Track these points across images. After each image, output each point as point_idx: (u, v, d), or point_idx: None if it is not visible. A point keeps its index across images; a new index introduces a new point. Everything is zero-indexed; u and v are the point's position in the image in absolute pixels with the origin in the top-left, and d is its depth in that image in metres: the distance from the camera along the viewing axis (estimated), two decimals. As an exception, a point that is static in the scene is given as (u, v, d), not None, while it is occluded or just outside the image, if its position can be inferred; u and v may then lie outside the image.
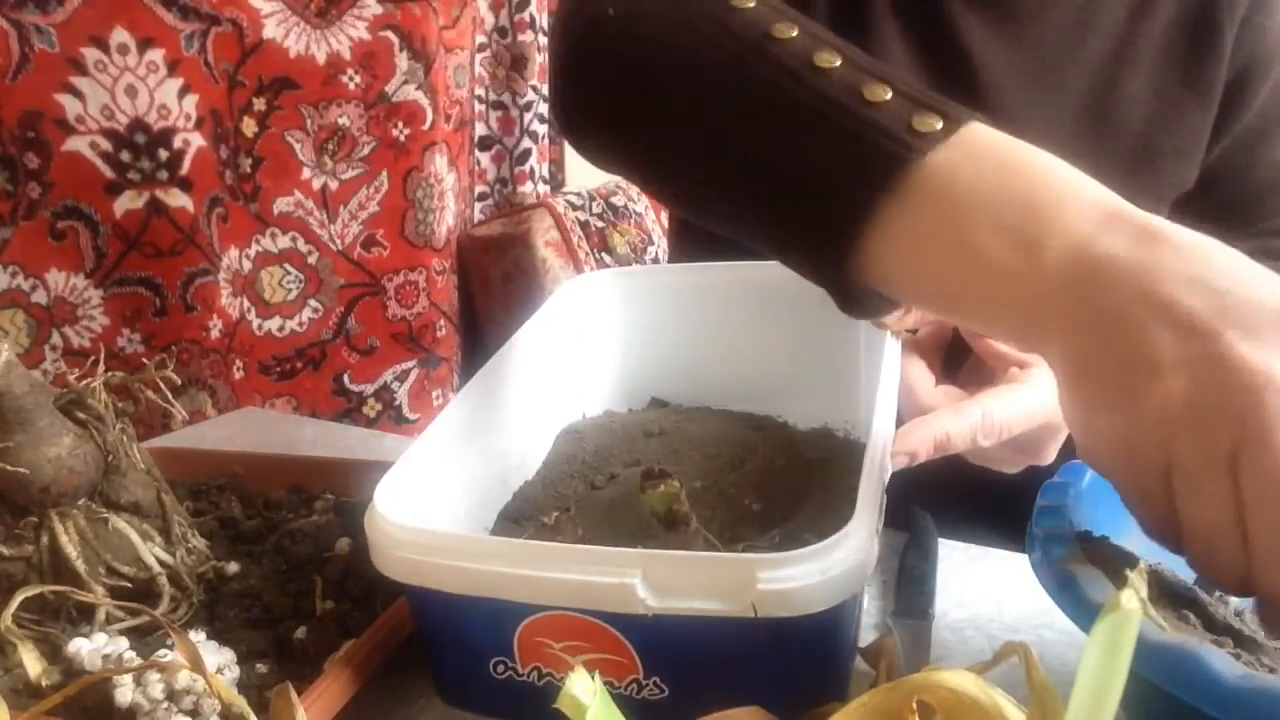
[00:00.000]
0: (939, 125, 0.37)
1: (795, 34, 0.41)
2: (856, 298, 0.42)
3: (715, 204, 0.46)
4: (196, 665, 0.43)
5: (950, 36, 0.73)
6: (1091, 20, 0.73)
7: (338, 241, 1.37)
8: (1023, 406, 0.53)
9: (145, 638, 0.51)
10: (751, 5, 0.43)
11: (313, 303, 1.37)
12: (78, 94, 1.12)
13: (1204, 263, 0.33)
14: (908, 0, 0.73)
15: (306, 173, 1.32)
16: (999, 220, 0.36)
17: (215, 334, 1.27)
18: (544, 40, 1.65)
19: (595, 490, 0.62)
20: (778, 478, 0.60)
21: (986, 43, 0.73)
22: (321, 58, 1.28)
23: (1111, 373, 0.34)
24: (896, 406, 0.52)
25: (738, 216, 0.45)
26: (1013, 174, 0.36)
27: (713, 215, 0.47)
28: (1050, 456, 0.57)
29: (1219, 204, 0.75)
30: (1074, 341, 0.35)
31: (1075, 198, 0.35)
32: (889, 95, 0.38)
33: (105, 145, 1.15)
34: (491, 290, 1.59)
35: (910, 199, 0.37)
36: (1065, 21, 0.73)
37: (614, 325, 0.73)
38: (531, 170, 1.73)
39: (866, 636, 0.54)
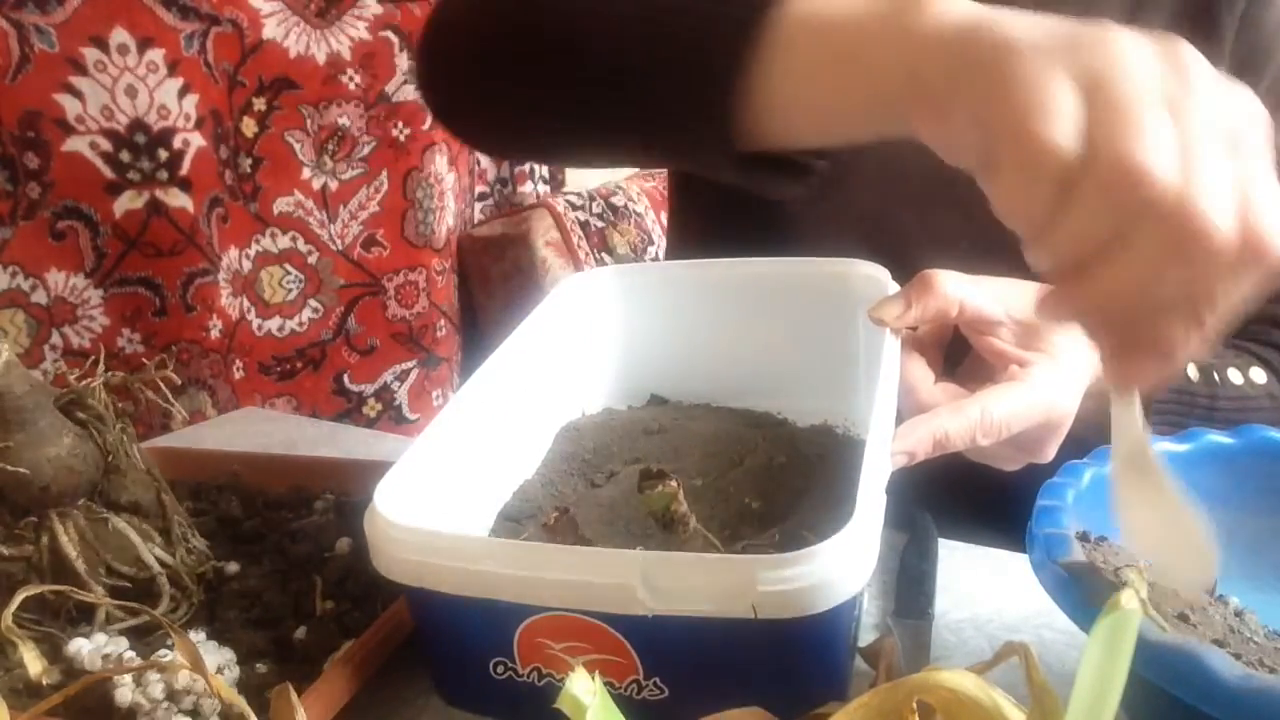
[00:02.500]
0: None
1: None
2: (747, 163, 0.45)
3: (594, 123, 0.50)
4: (196, 665, 0.43)
5: None
6: (1091, 20, 0.73)
7: (338, 241, 1.36)
8: (1023, 404, 0.53)
9: (145, 638, 0.51)
10: None
11: (313, 303, 1.37)
12: (78, 94, 1.12)
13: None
14: None
15: (306, 173, 1.32)
16: (866, 13, 0.39)
17: (215, 334, 1.27)
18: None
19: (595, 488, 0.62)
20: (777, 475, 0.60)
21: None
22: (321, 58, 1.28)
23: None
24: (896, 404, 0.52)
25: (618, 125, 0.49)
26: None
27: (592, 139, 0.53)
28: (1050, 454, 0.57)
29: None
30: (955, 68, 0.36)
31: None
32: None
33: (105, 145, 1.15)
34: (491, 290, 1.58)
35: (780, 35, 0.41)
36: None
37: (613, 322, 0.73)
38: (531, 170, 1.73)
39: (866, 636, 0.54)
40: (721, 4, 0.42)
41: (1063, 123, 0.32)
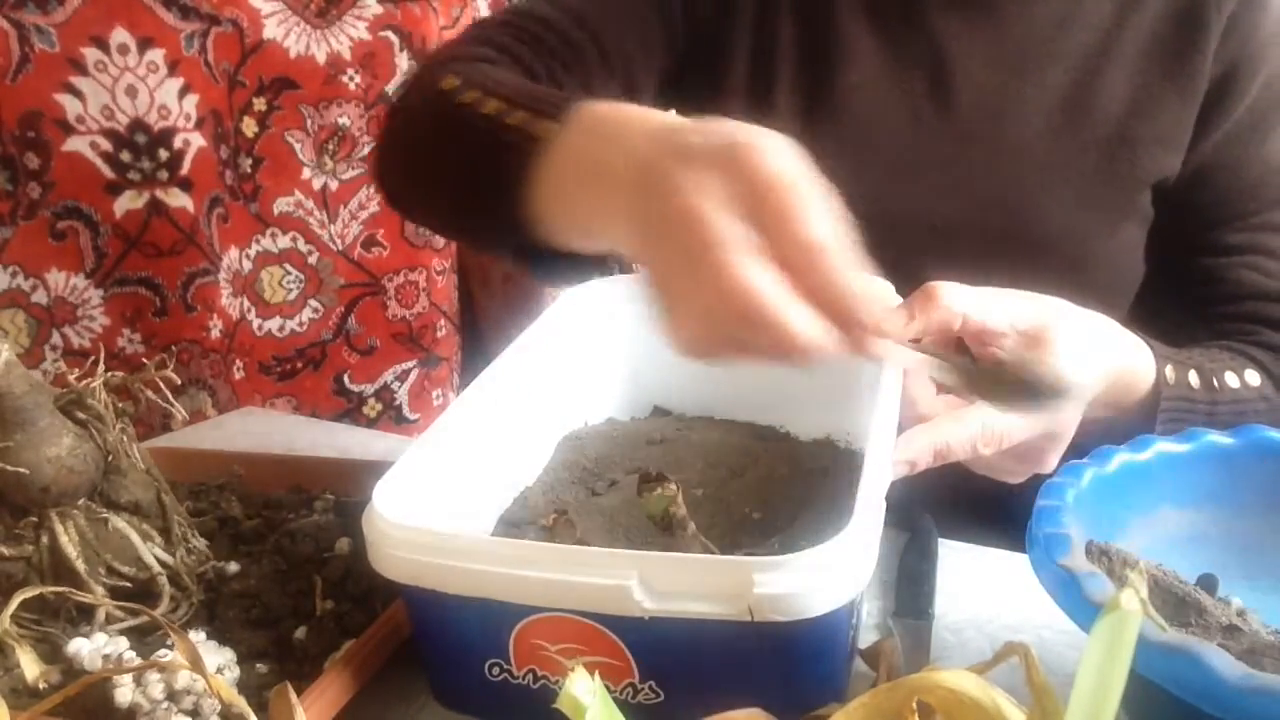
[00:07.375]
0: (555, 125, 0.52)
1: (469, 94, 0.60)
2: (543, 260, 0.57)
3: (464, 226, 0.68)
4: (196, 665, 0.43)
5: (923, 34, 0.73)
6: (1078, 15, 0.73)
7: (338, 241, 1.36)
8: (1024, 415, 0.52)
9: (145, 638, 0.51)
10: (458, 84, 0.62)
11: (313, 303, 1.37)
12: (78, 94, 1.12)
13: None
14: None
15: (307, 173, 1.31)
16: (597, 157, 0.49)
17: (215, 334, 1.27)
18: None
19: (595, 497, 0.62)
20: (778, 487, 0.60)
21: (962, 38, 0.73)
22: (322, 58, 1.28)
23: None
24: (897, 416, 0.52)
25: (474, 229, 0.66)
26: (605, 130, 0.50)
27: (465, 235, 0.77)
28: (1052, 464, 0.57)
29: (1212, 199, 0.75)
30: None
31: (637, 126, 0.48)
32: (522, 115, 0.55)
33: (105, 145, 1.15)
34: (491, 290, 1.58)
35: (547, 170, 0.52)
36: (1051, 17, 0.73)
37: (617, 333, 0.73)
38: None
39: (867, 637, 0.54)
40: (512, 131, 0.55)
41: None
